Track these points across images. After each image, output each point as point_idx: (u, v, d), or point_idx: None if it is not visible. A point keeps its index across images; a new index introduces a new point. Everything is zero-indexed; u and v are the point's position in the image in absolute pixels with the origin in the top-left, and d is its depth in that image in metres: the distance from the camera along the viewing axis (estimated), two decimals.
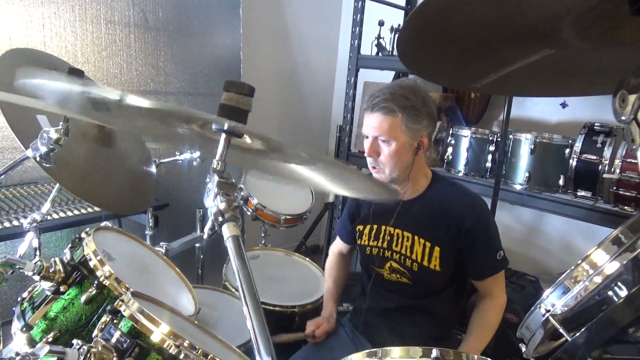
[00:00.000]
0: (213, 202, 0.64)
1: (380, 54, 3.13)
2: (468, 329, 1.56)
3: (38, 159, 1.22)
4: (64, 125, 1.14)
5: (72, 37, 2.37)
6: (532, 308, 0.72)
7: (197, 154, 2.10)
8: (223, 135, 0.66)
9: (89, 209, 2.02)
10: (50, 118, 1.34)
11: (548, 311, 0.66)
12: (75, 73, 1.06)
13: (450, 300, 1.59)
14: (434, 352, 0.66)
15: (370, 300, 1.66)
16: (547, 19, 0.54)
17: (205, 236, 0.68)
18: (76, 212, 2.00)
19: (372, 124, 1.47)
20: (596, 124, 2.38)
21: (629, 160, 2.19)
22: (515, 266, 3.02)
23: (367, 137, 1.51)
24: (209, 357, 0.97)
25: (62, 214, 1.96)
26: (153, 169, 1.78)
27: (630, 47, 0.61)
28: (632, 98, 0.56)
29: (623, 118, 0.58)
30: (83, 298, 1.22)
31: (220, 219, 0.63)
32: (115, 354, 0.91)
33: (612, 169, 2.23)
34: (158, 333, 0.96)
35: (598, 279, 0.62)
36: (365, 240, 1.65)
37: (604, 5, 0.55)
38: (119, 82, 2.58)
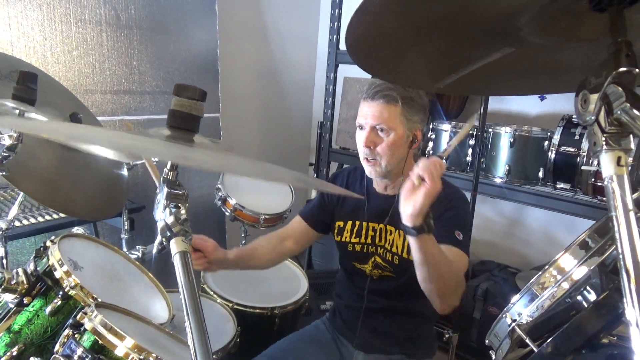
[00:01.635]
0: (162, 215, 0.61)
1: None
2: None
3: None
4: (18, 132, 1.09)
5: (40, 37, 2.30)
6: (498, 317, 0.70)
7: None
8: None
9: (62, 214, 1.97)
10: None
11: (514, 320, 0.64)
12: (27, 78, 1.00)
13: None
14: None
15: (349, 299, 1.64)
16: (504, 16, 0.51)
17: (154, 251, 0.64)
18: (48, 217, 1.94)
19: (372, 112, 1.42)
20: (574, 116, 2.38)
21: None
22: (498, 259, 3.03)
23: (361, 127, 1.46)
24: None
25: (32, 220, 1.90)
26: (124, 171, 1.73)
27: (593, 44, 0.59)
28: (593, 98, 0.53)
29: (587, 119, 0.56)
30: (48, 309, 1.18)
31: (168, 233, 0.59)
32: None
33: (590, 161, 2.23)
34: (122, 347, 0.93)
35: (566, 285, 0.60)
36: (346, 237, 1.61)
37: (564, 1, 0.52)
38: (92, 82, 2.51)
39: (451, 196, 1.47)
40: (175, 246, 0.59)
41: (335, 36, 3.11)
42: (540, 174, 2.44)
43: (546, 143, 2.42)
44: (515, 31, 0.54)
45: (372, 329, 1.58)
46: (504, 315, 0.66)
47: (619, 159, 0.52)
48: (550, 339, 0.60)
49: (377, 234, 1.55)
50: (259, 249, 1.62)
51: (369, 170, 1.49)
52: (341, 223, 1.63)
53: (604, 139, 0.52)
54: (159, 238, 0.63)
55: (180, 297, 0.57)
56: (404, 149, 1.48)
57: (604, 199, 2.24)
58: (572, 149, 2.31)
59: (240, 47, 3.34)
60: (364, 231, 1.58)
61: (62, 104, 1.62)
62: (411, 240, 1.16)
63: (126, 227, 2.15)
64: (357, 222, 1.60)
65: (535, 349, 0.59)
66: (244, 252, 1.61)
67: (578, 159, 2.29)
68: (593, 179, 2.23)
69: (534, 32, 0.55)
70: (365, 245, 1.58)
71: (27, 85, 1.02)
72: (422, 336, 1.61)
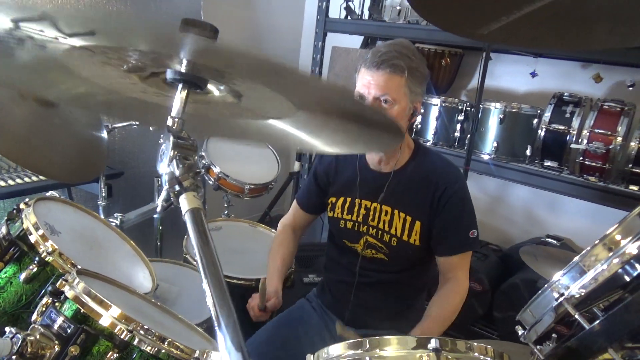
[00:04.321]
0: (168, 168, 0.53)
1: (349, 17, 3.00)
2: (427, 310, 1.45)
3: None
4: None
5: None
6: (540, 291, 0.66)
7: None
8: (180, 86, 0.55)
9: (34, 178, 1.85)
10: None
11: (562, 295, 0.59)
12: None
13: (422, 272, 1.54)
14: (433, 343, 0.59)
15: (340, 274, 1.59)
16: None
17: (158, 208, 0.57)
18: (19, 180, 1.82)
19: (376, 82, 1.34)
20: (565, 94, 2.36)
21: (596, 130, 2.19)
22: (480, 236, 3.04)
23: (362, 97, 1.37)
24: (167, 341, 0.88)
25: (2, 183, 1.78)
26: (104, 134, 1.62)
27: None
28: None
29: None
30: (22, 276, 1.10)
31: (177, 187, 0.52)
32: (56, 342, 0.80)
33: (580, 139, 2.23)
34: (107, 317, 0.86)
35: (618, 260, 0.56)
36: (338, 214, 1.56)
37: None
38: None
39: (459, 181, 1.45)
40: (186, 203, 0.51)
41: (324, 3, 3.00)
42: (528, 152, 2.43)
43: (535, 120, 2.40)
44: None
45: (363, 304, 1.54)
46: (549, 289, 0.62)
47: None
48: (606, 315, 0.56)
49: (370, 212, 1.50)
50: (287, 258, 1.68)
51: None
52: (334, 199, 1.58)
53: None
54: (163, 194, 0.56)
55: (197, 259, 0.50)
56: (405, 122, 1.42)
57: (591, 178, 2.25)
58: (562, 127, 2.30)
59: (224, 11, 3.19)
60: (355, 208, 1.52)
61: None
62: None
63: (104, 194, 2.05)
64: (349, 199, 1.54)
65: (586, 326, 0.55)
66: (281, 272, 1.63)
67: (568, 137, 2.28)
68: (581, 158, 2.22)
69: None
70: (357, 224, 1.52)
71: None
72: (413, 308, 1.58)
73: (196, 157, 0.54)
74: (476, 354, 0.60)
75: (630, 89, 2.25)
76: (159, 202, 0.54)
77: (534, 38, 0.62)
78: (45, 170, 1.30)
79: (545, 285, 0.64)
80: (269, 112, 0.65)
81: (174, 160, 0.52)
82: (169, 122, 0.55)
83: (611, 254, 0.57)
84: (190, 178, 0.52)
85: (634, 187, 2.15)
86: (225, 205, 2.39)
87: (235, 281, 1.85)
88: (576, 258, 0.61)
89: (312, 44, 3.17)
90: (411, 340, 0.62)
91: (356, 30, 3.02)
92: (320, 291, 1.68)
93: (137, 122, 1.81)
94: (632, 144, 2.12)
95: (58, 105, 1.44)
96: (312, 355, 0.71)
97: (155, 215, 2.34)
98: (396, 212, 1.45)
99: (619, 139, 2.14)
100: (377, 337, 0.64)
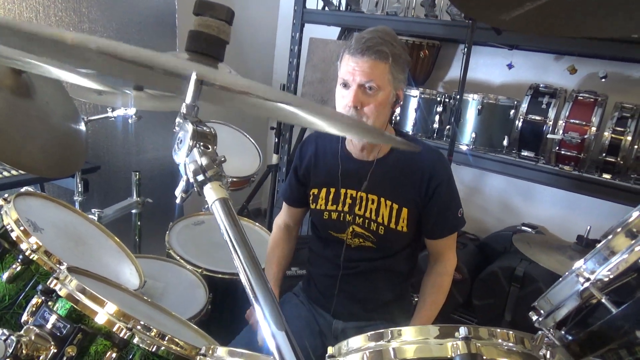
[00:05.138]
0: (187, 158, 0.51)
1: (327, 9, 2.97)
2: (421, 294, 1.51)
3: None
4: None
5: None
6: (562, 277, 0.66)
7: (132, 110, 1.88)
8: (194, 75, 0.52)
9: (5, 173, 1.76)
10: None
11: (587, 280, 0.60)
12: None
13: (409, 256, 1.55)
14: (462, 331, 0.58)
15: (325, 268, 1.57)
16: None
17: (178, 200, 0.54)
18: None
19: (362, 68, 1.32)
20: (541, 85, 2.41)
21: (572, 120, 2.24)
22: None
23: (346, 85, 1.36)
24: (167, 338, 0.85)
25: None
26: (82, 126, 1.55)
27: None
28: None
29: None
30: (5, 276, 1.04)
31: (200, 177, 0.49)
32: (52, 343, 0.76)
33: (556, 130, 2.28)
34: (103, 314, 0.82)
35: None
36: (321, 205, 1.53)
37: None
38: None
39: (445, 164, 1.46)
40: (213, 193, 0.49)
41: None
42: (505, 142, 2.48)
43: (512, 111, 2.45)
44: None
45: (350, 295, 1.53)
46: (574, 274, 0.62)
47: None
48: (634, 299, 0.57)
49: (357, 202, 1.49)
50: (283, 261, 1.68)
51: None
52: (315, 190, 1.55)
53: None
54: (182, 185, 0.53)
55: (230, 249, 0.48)
56: (388, 109, 1.41)
57: (566, 167, 2.31)
58: (538, 118, 2.35)
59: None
60: (341, 198, 1.50)
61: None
62: None
63: (80, 189, 1.98)
64: (333, 189, 1.52)
65: (613, 310, 0.56)
66: (278, 277, 1.64)
67: (544, 127, 2.33)
68: (557, 147, 2.28)
69: None
70: (342, 214, 1.50)
71: None
72: (400, 297, 1.58)
73: (215, 147, 0.52)
74: (500, 340, 0.60)
75: (603, 80, 2.32)
76: (178, 192, 0.51)
77: (553, 25, 0.62)
78: (22, 163, 1.24)
79: (567, 272, 0.64)
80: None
81: (194, 149, 0.50)
82: (183, 109, 0.52)
83: (633, 240, 0.58)
84: (215, 167, 0.49)
85: (606, 176, 2.23)
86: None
87: (219, 276, 1.83)
88: (600, 244, 0.62)
89: (288, 36, 3.13)
90: (433, 330, 0.62)
91: (334, 21, 3.00)
92: (307, 286, 1.65)
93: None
94: (606, 133, 2.19)
95: (34, 96, 1.38)
96: (332, 347, 0.70)
97: (134, 211, 2.28)
98: (382, 200, 1.44)
99: (594, 129, 2.20)
100: (398, 328, 0.64)
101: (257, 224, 2.22)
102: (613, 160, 2.19)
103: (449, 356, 0.57)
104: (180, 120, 0.53)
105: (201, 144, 0.51)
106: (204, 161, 0.50)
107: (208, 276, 1.79)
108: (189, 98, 0.53)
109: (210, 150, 0.51)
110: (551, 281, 0.68)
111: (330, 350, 0.70)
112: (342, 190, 1.50)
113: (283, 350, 0.45)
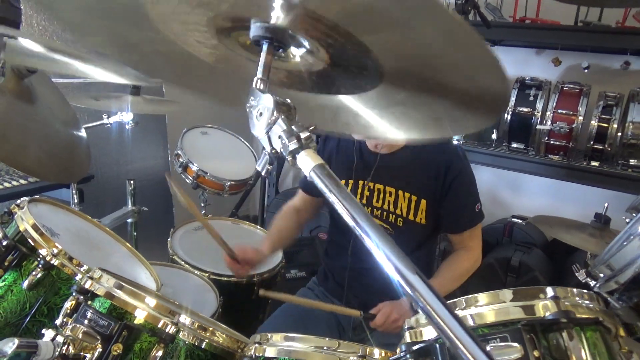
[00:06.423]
0: (270, 130, 0.50)
1: None
2: (436, 272, 1.50)
3: None
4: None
5: None
6: (619, 244, 0.67)
7: (130, 116, 1.85)
8: (265, 46, 0.52)
9: (6, 184, 1.72)
10: None
11: None
12: None
13: (428, 253, 1.56)
14: (550, 291, 0.58)
15: (343, 260, 1.57)
16: None
17: (263, 173, 0.53)
18: None
19: None
20: (527, 78, 2.48)
21: (559, 111, 2.31)
22: None
23: None
24: (209, 329, 0.84)
25: None
26: (83, 132, 1.52)
27: None
28: None
29: None
30: (26, 283, 1.01)
31: (293, 146, 0.48)
32: (99, 340, 0.74)
33: (545, 121, 2.35)
34: (144, 310, 0.80)
35: None
36: None
37: None
38: None
39: (461, 155, 1.47)
40: (310, 159, 0.47)
41: None
42: (494, 136, 2.54)
43: None
44: None
45: (367, 287, 1.53)
46: (637, 239, 0.63)
47: None
48: None
49: (375, 194, 1.50)
50: (284, 230, 1.68)
51: None
52: None
53: None
54: (265, 157, 0.52)
55: (340, 209, 0.46)
56: None
57: (555, 157, 2.38)
58: (527, 110, 2.41)
59: None
60: (359, 190, 1.51)
61: None
62: None
63: (76, 200, 1.93)
64: (351, 181, 1.53)
65: None
66: (274, 239, 1.64)
67: (533, 119, 2.39)
68: (547, 138, 2.35)
69: None
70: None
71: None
72: None
73: (297, 119, 0.51)
74: (577, 299, 0.60)
75: (586, 71, 2.40)
76: (260, 166, 0.50)
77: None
78: (33, 168, 1.20)
79: (630, 237, 0.65)
80: (344, 84, 0.62)
81: (279, 120, 0.49)
82: (256, 83, 0.52)
83: None
84: (306, 132, 0.49)
85: (594, 163, 2.30)
86: (202, 205, 2.31)
87: (224, 279, 1.80)
88: None
89: None
90: (508, 294, 0.62)
91: None
92: (323, 278, 1.66)
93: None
94: (592, 122, 2.26)
95: (36, 101, 1.34)
96: (408, 320, 0.70)
97: (129, 220, 2.23)
98: (400, 192, 1.46)
99: (581, 118, 2.28)
100: (471, 295, 0.64)
101: (258, 227, 2.20)
102: (601, 147, 2.26)
103: (541, 316, 0.57)
104: (256, 94, 0.52)
105: (284, 115, 0.50)
106: (296, 129, 0.49)
107: (215, 280, 1.77)
108: (259, 71, 0.52)
109: (294, 120, 0.50)
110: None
111: (406, 323, 0.70)
112: (360, 182, 1.51)
113: (422, 291, 0.45)
